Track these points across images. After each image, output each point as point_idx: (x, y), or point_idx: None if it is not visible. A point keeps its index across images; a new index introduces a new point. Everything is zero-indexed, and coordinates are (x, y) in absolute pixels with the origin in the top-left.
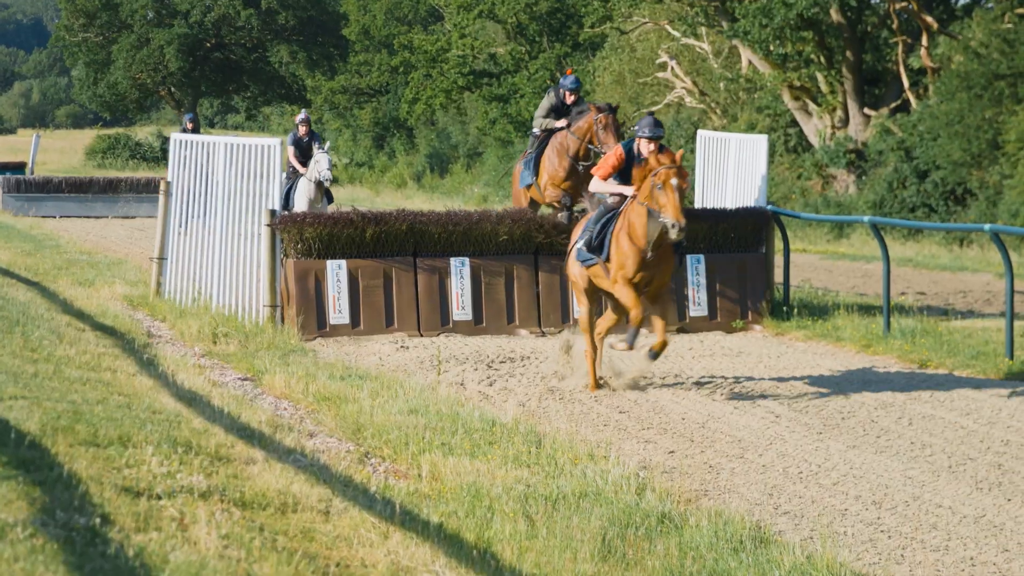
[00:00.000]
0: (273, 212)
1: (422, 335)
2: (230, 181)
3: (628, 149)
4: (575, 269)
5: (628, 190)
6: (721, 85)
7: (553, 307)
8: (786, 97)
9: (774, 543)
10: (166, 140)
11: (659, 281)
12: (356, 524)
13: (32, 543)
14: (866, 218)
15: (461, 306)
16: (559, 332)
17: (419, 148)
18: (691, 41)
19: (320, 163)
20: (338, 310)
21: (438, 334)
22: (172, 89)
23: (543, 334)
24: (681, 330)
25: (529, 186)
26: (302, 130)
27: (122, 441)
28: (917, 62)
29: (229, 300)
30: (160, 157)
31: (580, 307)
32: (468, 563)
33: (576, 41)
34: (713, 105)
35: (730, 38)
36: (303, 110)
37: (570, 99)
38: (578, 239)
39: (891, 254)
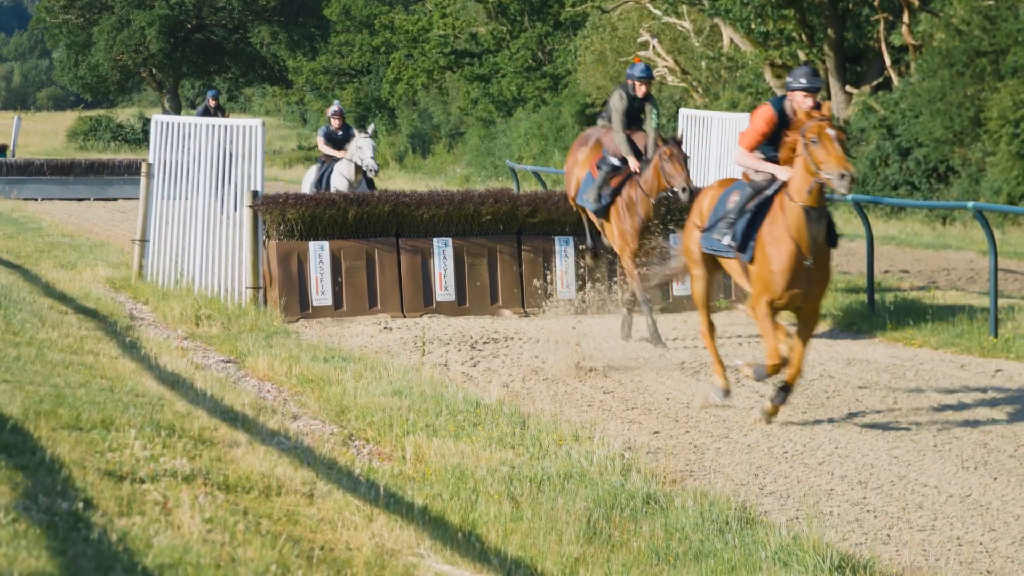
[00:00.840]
0: (255, 193)
1: (405, 316)
2: (212, 162)
3: (779, 109)
4: (694, 245)
5: (782, 172)
6: (703, 63)
7: (537, 287)
8: (768, 75)
9: (760, 523)
10: (148, 121)
11: (813, 304)
12: (340, 507)
13: (14, 528)
14: (849, 196)
15: (444, 287)
16: (542, 312)
17: (401, 128)
18: (672, 19)
19: (364, 149)
20: (321, 291)
21: (421, 315)
22: (153, 70)
23: (526, 314)
24: (665, 310)
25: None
26: (335, 123)
27: (105, 425)
28: (899, 39)
29: (212, 282)
30: (142, 139)
31: (694, 279)
32: (453, 546)
33: (557, 20)
34: (695, 84)
35: (711, 16)
36: (335, 102)
37: (641, 90)
38: (710, 219)
39: (874, 232)
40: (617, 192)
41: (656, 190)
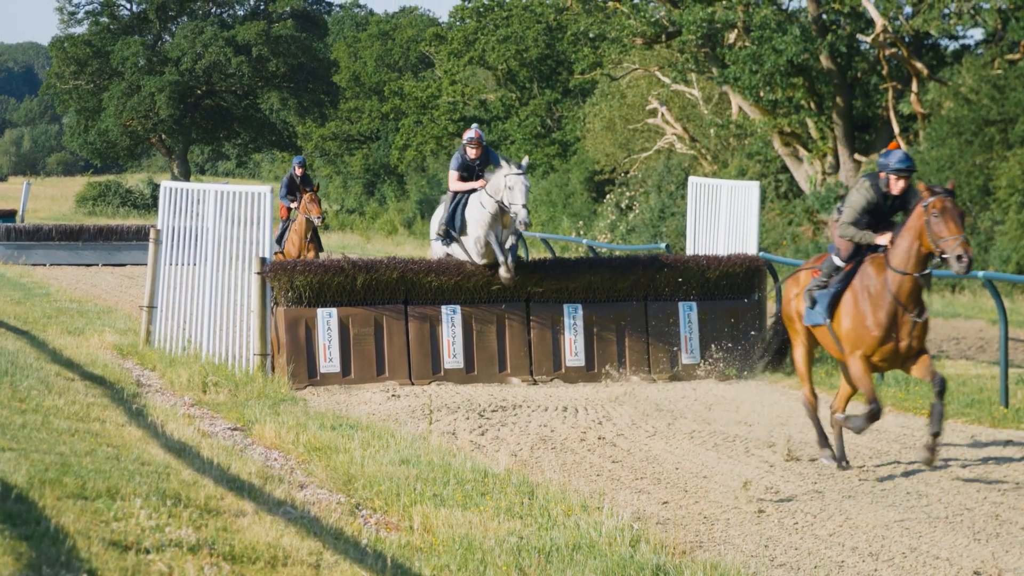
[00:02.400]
0: (263, 260)
1: (413, 384)
2: (220, 229)
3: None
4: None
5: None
6: (711, 131)
7: (545, 355)
8: (776, 143)
9: None
10: (157, 187)
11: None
12: None
13: None
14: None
15: (452, 354)
16: (551, 380)
17: (410, 194)
18: (681, 87)
19: (514, 191)
20: (329, 358)
21: (429, 382)
22: (163, 136)
23: (535, 382)
24: (673, 378)
25: (817, 325)
26: (472, 152)
27: (110, 494)
28: (907, 108)
29: (219, 348)
30: (151, 204)
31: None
32: None
33: (566, 87)
34: (704, 151)
35: (720, 84)
36: (473, 126)
37: (897, 187)
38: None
39: None
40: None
41: (916, 260)
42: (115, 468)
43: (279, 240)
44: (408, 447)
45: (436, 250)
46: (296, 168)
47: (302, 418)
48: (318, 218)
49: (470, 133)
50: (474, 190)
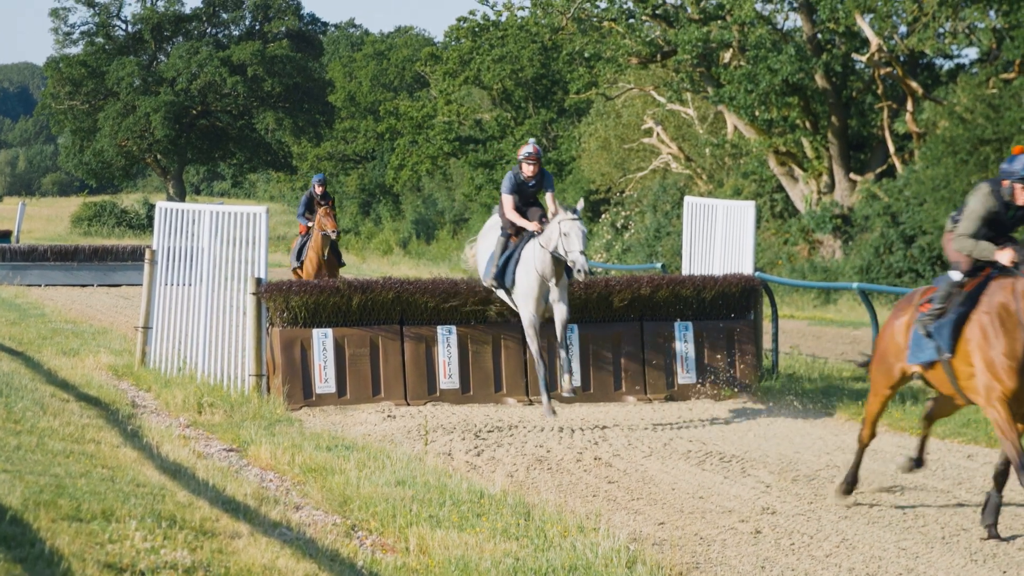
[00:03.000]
0: (259, 280)
1: (409, 404)
2: (215, 249)
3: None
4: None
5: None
6: (707, 150)
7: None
8: (772, 162)
9: None
10: (152, 207)
11: None
12: None
13: None
14: (855, 284)
15: (448, 375)
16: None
17: (405, 214)
18: (676, 107)
19: (571, 237)
20: (324, 379)
21: (425, 403)
22: (158, 156)
23: (531, 403)
24: (669, 398)
25: (930, 363)
26: (528, 170)
27: (105, 515)
28: (902, 127)
29: (215, 369)
30: (146, 224)
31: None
32: None
33: (562, 107)
34: (699, 171)
35: (715, 103)
36: (531, 140)
37: (1023, 197)
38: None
39: (879, 319)
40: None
41: None
42: (110, 490)
43: (297, 257)
44: (404, 468)
45: (481, 273)
46: (316, 186)
47: (297, 439)
48: (333, 232)
49: (527, 148)
50: (527, 232)
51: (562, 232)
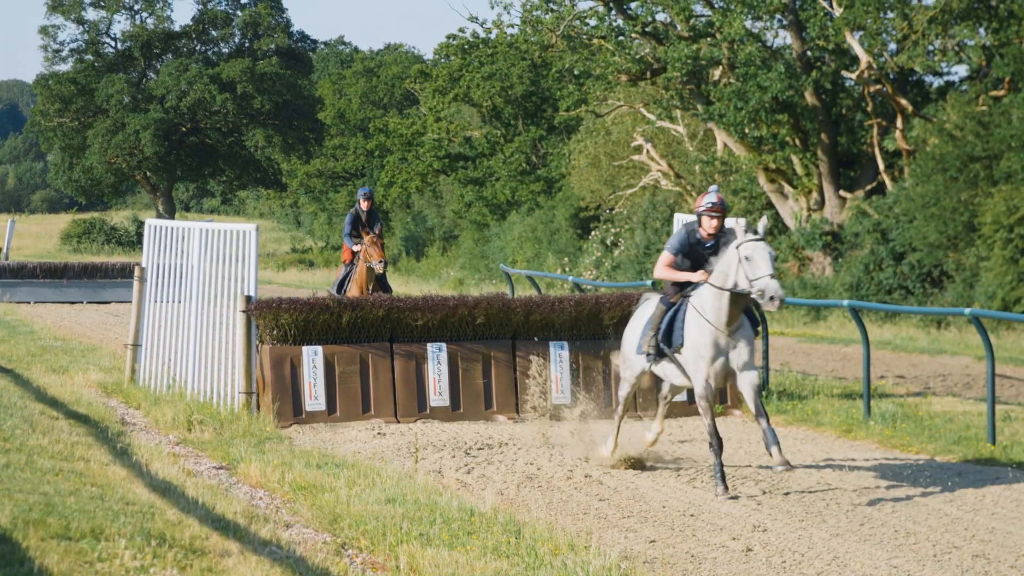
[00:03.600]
0: (248, 298)
1: (399, 421)
2: (205, 266)
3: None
4: None
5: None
6: (697, 168)
7: (531, 392)
8: (762, 179)
9: None
10: (141, 224)
11: None
12: None
13: None
14: (845, 302)
15: (438, 392)
16: (536, 418)
17: (395, 231)
18: (666, 124)
19: (754, 260)
20: (314, 396)
21: (415, 420)
22: (148, 173)
23: (521, 420)
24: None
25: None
26: (709, 227)
27: (95, 534)
28: (892, 144)
29: (204, 387)
30: (136, 241)
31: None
32: None
33: (551, 124)
34: (689, 188)
35: (705, 121)
36: (712, 188)
37: None
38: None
39: (869, 337)
40: None
41: None
42: (99, 508)
43: (339, 289)
44: (394, 486)
45: (634, 365)
46: (361, 201)
47: (287, 457)
48: (380, 263)
49: (710, 197)
50: (689, 284)
51: (742, 257)
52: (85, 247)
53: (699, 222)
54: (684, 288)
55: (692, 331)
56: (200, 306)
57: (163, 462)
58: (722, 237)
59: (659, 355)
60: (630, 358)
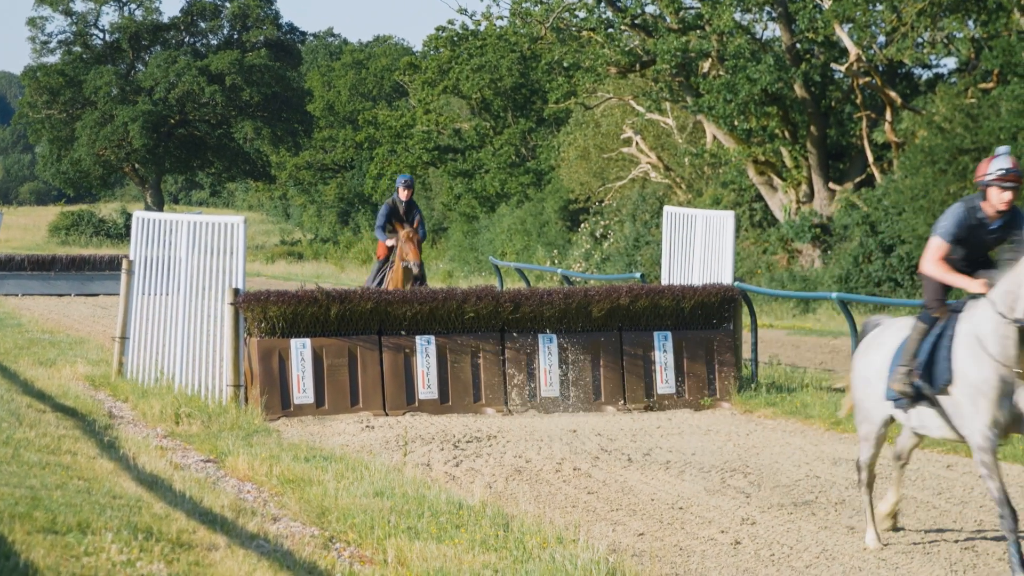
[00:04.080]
0: (236, 290)
1: (388, 414)
2: (193, 259)
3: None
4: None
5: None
6: (686, 160)
7: (520, 385)
8: (751, 172)
9: None
10: (130, 217)
11: None
12: None
13: None
14: (834, 294)
15: (427, 385)
16: (526, 410)
17: None
18: (656, 116)
19: None
20: (302, 389)
21: (404, 413)
22: (136, 165)
23: (510, 412)
24: (648, 408)
25: None
26: (1000, 200)
27: (81, 528)
28: (881, 137)
29: (192, 380)
30: (124, 234)
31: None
32: None
33: (541, 116)
34: (678, 180)
35: (694, 113)
36: (1002, 151)
37: None
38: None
39: (858, 329)
40: None
41: None
42: (86, 502)
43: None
44: (382, 479)
45: (875, 415)
46: (400, 190)
47: (275, 450)
48: (415, 264)
49: (1002, 162)
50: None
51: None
52: (73, 239)
53: (983, 195)
54: (951, 297)
55: (966, 363)
56: (188, 299)
57: (150, 455)
58: (1013, 221)
59: (916, 398)
60: (869, 406)
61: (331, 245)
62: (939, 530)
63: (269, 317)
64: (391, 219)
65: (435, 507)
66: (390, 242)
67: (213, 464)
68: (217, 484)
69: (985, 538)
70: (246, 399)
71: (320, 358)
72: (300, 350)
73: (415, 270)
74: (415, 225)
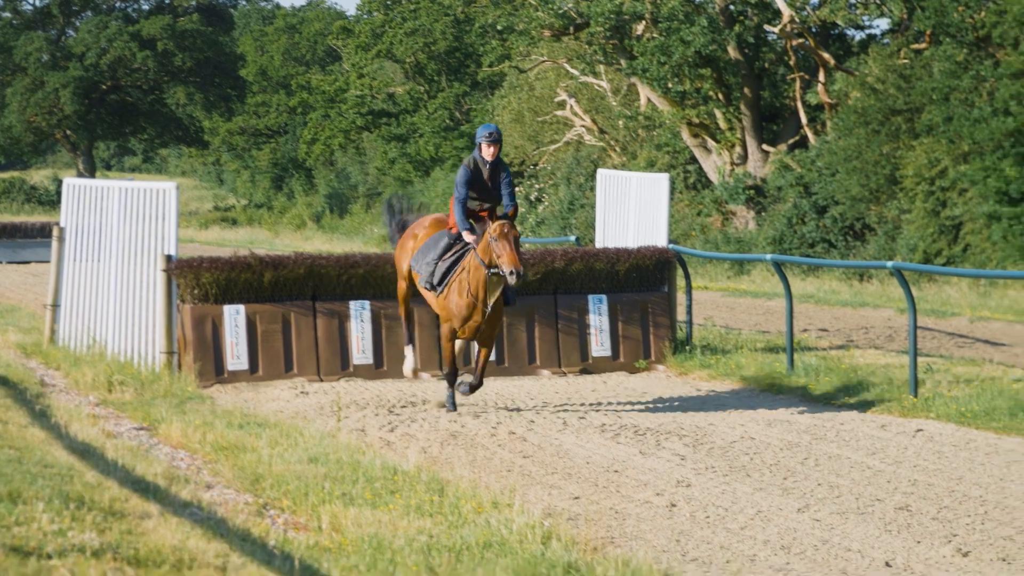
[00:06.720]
0: (169, 257)
1: (322, 380)
2: (125, 225)
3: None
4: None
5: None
6: (620, 123)
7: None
8: (685, 134)
9: None
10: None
11: None
12: None
13: None
14: (768, 256)
15: (362, 350)
16: (462, 374)
17: (318, 188)
18: (590, 79)
19: None
20: (236, 356)
21: (338, 379)
22: (68, 132)
23: (444, 377)
24: (584, 371)
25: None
26: None
27: (11, 497)
28: (815, 98)
29: (125, 347)
30: (56, 201)
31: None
32: None
33: (475, 80)
34: (612, 143)
35: (629, 76)
36: None
37: None
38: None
39: (792, 290)
40: None
41: None
42: (17, 471)
43: (439, 280)
44: (317, 445)
45: None
46: (484, 146)
47: (209, 417)
48: (513, 272)
49: None
50: None
51: None
52: (4, 207)
53: None
54: None
55: None
56: (120, 266)
57: (83, 423)
58: None
59: None
60: None
61: (265, 211)
62: (873, 490)
63: (202, 284)
64: (472, 189)
65: (370, 473)
66: (470, 237)
67: (146, 432)
68: (150, 452)
69: (920, 498)
70: (179, 366)
71: (254, 324)
72: (234, 316)
73: (513, 280)
74: (510, 199)
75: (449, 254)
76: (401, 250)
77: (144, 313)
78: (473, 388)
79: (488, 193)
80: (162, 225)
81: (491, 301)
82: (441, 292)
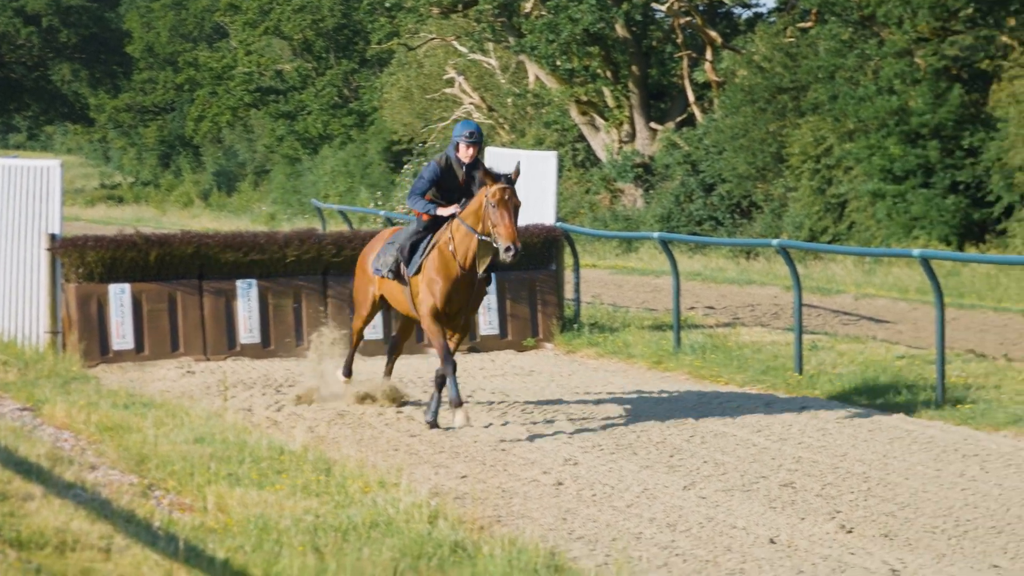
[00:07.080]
0: (53, 236)
1: (209, 359)
2: (7, 204)
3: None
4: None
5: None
6: (509, 101)
7: (342, 327)
8: (573, 112)
9: (568, 570)
10: None
11: None
12: (138, 562)
13: None
14: (656, 234)
15: (248, 329)
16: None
17: (206, 166)
18: (478, 57)
19: None
20: (121, 335)
21: (225, 358)
22: None
23: (333, 357)
24: (472, 349)
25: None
26: None
27: None
28: (702, 76)
29: (8, 326)
30: None
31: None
32: None
33: (363, 57)
34: (501, 121)
35: (517, 53)
36: None
37: None
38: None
39: (679, 268)
40: None
41: None
42: None
43: (406, 259)
44: (203, 425)
45: None
46: (461, 147)
47: (94, 397)
48: (509, 248)
49: None
50: None
51: None
52: None
53: None
54: None
55: None
56: (3, 245)
57: None
58: None
59: None
60: None
61: (152, 189)
62: (758, 468)
63: (87, 262)
64: (437, 186)
65: (256, 453)
66: (442, 211)
67: (29, 412)
68: (33, 433)
69: (804, 474)
70: (64, 346)
71: (139, 303)
72: (119, 295)
73: (509, 257)
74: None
75: (416, 237)
76: (362, 272)
77: (28, 292)
78: (442, 385)
79: (459, 195)
80: (46, 203)
81: (480, 269)
82: (415, 273)
